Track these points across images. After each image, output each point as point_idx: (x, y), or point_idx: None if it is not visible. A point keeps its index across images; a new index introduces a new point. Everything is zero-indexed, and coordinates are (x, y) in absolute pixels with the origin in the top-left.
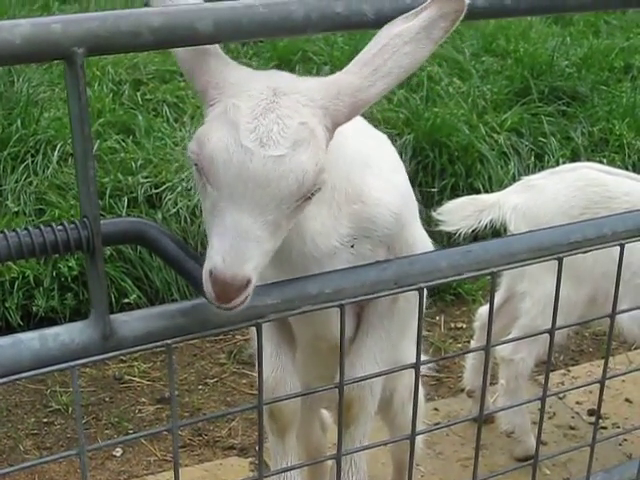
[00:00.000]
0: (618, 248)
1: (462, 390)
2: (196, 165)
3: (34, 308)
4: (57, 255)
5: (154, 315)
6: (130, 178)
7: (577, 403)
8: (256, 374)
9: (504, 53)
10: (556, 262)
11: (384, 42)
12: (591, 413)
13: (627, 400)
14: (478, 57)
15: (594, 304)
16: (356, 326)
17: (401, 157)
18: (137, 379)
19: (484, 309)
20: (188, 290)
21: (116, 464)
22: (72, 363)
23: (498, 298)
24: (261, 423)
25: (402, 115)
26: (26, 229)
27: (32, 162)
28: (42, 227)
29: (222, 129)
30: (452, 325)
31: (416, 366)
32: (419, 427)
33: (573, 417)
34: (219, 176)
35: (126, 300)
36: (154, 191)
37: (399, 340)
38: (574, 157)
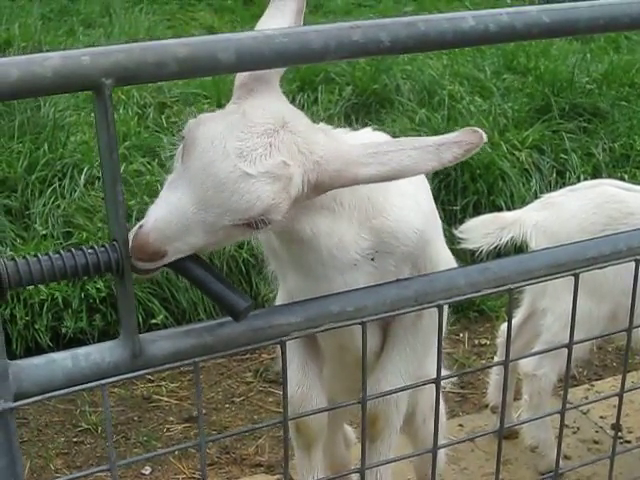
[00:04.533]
0: None
1: (486, 406)
2: (183, 138)
3: (63, 329)
4: (87, 277)
5: (181, 334)
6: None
7: (601, 417)
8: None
9: (525, 70)
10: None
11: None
12: (615, 427)
13: None
14: (499, 75)
15: (616, 320)
16: (382, 341)
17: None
18: (165, 398)
19: (506, 325)
20: (214, 310)
21: None
22: (103, 381)
23: (520, 315)
24: (286, 438)
25: (423, 134)
26: (58, 252)
27: (59, 185)
28: (73, 250)
29: (220, 123)
30: (476, 342)
31: (437, 381)
32: (441, 442)
33: (597, 431)
34: (192, 158)
35: (153, 320)
36: None
37: (424, 355)
38: (595, 173)
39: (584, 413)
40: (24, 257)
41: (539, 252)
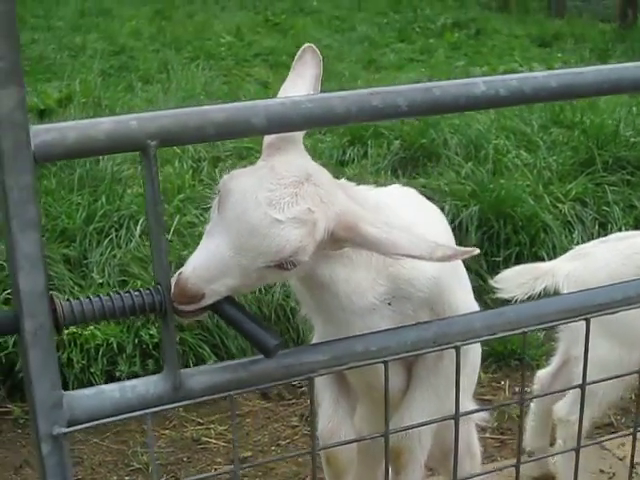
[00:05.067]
0: None
1: (525, 452)
2: (219, 192)
3: (117, 373)
4: (134, 317)
5: (218, 370)
6: None
7: (638, 464)
8: None
9: (571, 124)
10: (609, 329)
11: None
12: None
13: None
14: (546, 129)
15: None
16: (407, 381)
17: (467, 227)
18: (213, 440)
19: (541, 372)
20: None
21: None
22: (147, 410)
23: (555, 363)
24: (314, 467)
25: (468, 187)
26: (108, 295)
27: (116, 236)
28: (122, 293)
29: (251, 177)
30: (516, 389)
31: (455, 417)
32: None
33: (633, 477)
34: (227, 208)
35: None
36: None
37: (447, 395)
38: (637, 225)
39: (620, 459)
40: (77, 299)
41: (552, 298)
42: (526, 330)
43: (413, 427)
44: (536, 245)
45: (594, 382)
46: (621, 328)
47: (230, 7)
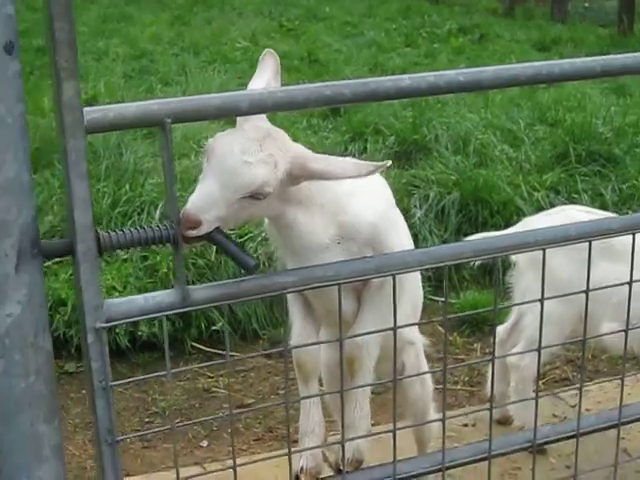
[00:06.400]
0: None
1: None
2: (205, 151)
3: (139, 333)
4: (154, 245)
5: (215, 286)
6: None
7: (587, 410)
8: None
9: (555, 122)
10: (551, 287)
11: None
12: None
13: None
14: (532, 126)
15: (582, 321)
16: (357, 307)
17: (448, 211)
18: (222, 390)
19: (500, 327)
20: (265, 320)
21: (202, 452)
22: (164, 313)
23: (511, 319)
24: (287, 367)
25: (452, 177)
26: (136, 229)
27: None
28: (145, 227)
29: (229, 136)
30: (487, 351)
31: (394, 329)
32: (431, 407)
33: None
34: (212, 158)
35: (214, 327)
36: (238, 240)
37: (389, 314)
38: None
39: (572, 406)
40: (114, 230)
41: (468, 242)
42: (447, 264)
43: (362, 335)
44: (510, 227)
45: (548, 346)
46: (560, 286)
47: (247, 13)
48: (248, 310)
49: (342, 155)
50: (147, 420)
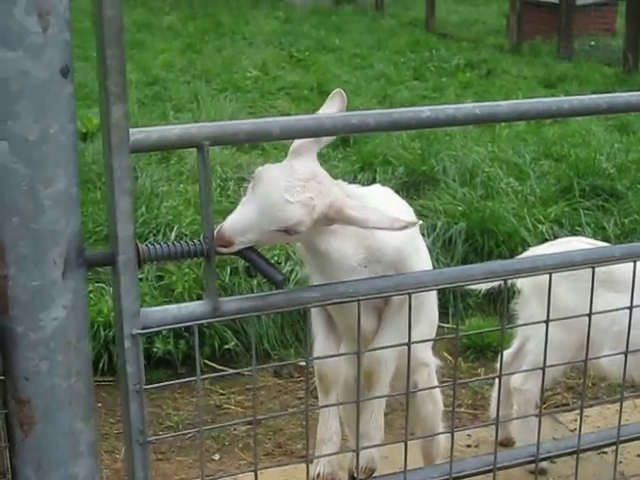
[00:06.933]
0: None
1: (492, 423)
2: (254, 177)
3: (154, 350)
4: (190, 259)
5: (244, 299)
6: None
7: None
8: None
9: (560, 157)
10: (552, 315)
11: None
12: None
13: None
14: (537, 161)
15: (582, 349)
16: (377, 325)
17: (455, 241)
18: (233, 407)
19: (504, 352)
20: (276, 341)
21: (215, 465)
22: (197, 322)
23: (516, 343)
24: (307, 371)
25: (460, 207)
26: (173, 243)
27: (154, 240)
28: (182, 242)
29: (277, 170)
30: (491, 376)
31: (409, 344)
32: (439, 425)
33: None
34: (257, 188)
35: (226, 346)
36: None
37: (406, 333)
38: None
39: (571, 431)
40: (152, 244)
41: (480, 264)
42: (461, 284)
43: (381, 348)
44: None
45: (553, 365)
46: (564, 313)
47: (257, 43)
48: (260, 331)
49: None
50: (161, 433)
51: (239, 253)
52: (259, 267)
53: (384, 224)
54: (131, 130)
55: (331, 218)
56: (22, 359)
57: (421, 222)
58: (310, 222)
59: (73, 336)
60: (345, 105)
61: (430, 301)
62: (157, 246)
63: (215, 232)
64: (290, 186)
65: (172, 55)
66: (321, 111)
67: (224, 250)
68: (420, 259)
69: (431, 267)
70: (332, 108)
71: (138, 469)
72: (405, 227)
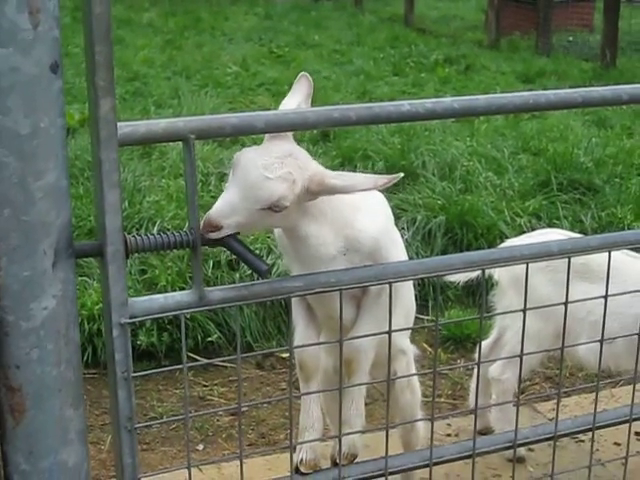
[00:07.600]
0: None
1: (471, 412)
2: (232, 163)
3: (138, 342)
4: (176, 249)
5: (229, 288)
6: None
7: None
8: None
9: (538, 151)
10: (529, 305)
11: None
12: None
13: None
14: (516, 155)
15: (559, 338)
16: (356, 313)
17: (435, 234)
18: (216, 398)
19: (483, 343)
20: (258, 333)
21: (199, 455)
22: (183, 311)
23: (494, 334)
24: (290, 360)
25: (439, 201)
26: (159, 234)
27: (137, 234)
28: (168, 233)
29: (254, 151)
30: (470, 367)
31: (389, 332)
32: (417, 412)
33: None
34: (237, 171)
35: (209, 339)
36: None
37: (385, 321)
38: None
39: (549, 420)
40: (139, 235)
41: (459, 255)
42: (440, 274)
43: (360, 337)
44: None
45: (530, 353)
46: (540, 304)
47: (237, 39)
48: (242, 324)
49: None
50: (145, 424)
51: (224, 244)
52: (244, 257)
53: (369, 185)
54: (119, 124)
55: (314, 191)
56: (13, 347)
57: (402, 175)
58: (293, 196)
59: (63, 325)
60: (312, 88)
61: (406, 290)
62: (144, 237)
63: (201, 222)
64: (268, 164)
65: (152, 51)
66: (289, 96)
67: (212, 235)
68: (396, 249)
69: (406, 256)
70: (299, 92)
71: (126, 455)
72: (388, 183)
